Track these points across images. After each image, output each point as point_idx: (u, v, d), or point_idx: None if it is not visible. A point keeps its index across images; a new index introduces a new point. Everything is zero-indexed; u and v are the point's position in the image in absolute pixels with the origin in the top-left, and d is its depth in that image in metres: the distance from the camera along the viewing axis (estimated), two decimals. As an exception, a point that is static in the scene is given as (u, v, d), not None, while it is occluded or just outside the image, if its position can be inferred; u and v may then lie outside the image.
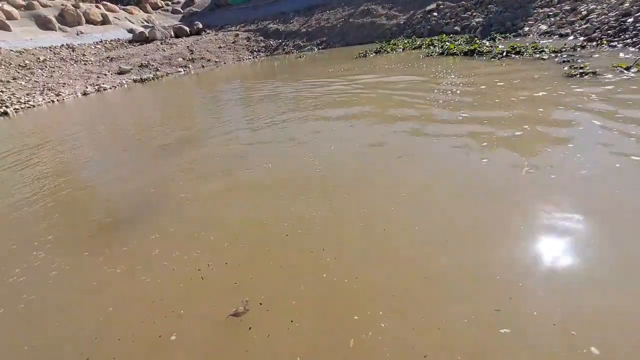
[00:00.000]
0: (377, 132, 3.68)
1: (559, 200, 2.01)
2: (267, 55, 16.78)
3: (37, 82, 12.68)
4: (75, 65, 15.23)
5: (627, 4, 7.21)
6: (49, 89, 11.96)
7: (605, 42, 6.22)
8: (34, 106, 10.38)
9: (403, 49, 10.28)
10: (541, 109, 3.49)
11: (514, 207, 2.04)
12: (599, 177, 2.18)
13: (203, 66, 16.03)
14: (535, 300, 1.42)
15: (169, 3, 28.16)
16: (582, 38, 6.99)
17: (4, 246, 2.52)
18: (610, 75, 4.34)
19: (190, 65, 16.00)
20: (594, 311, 1.33)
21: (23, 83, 12.36)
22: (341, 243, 1.98)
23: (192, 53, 17.18)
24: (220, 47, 18.07)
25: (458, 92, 4.74)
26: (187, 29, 20.72)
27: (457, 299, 1.48)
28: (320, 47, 15.71)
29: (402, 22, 13.78)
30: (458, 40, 9.59)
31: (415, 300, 1.51)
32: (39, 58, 14.94)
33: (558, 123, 3.17)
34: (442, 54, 8.15)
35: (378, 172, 2.74)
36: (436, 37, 10.77)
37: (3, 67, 13.36)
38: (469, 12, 11.86)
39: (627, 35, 6.14)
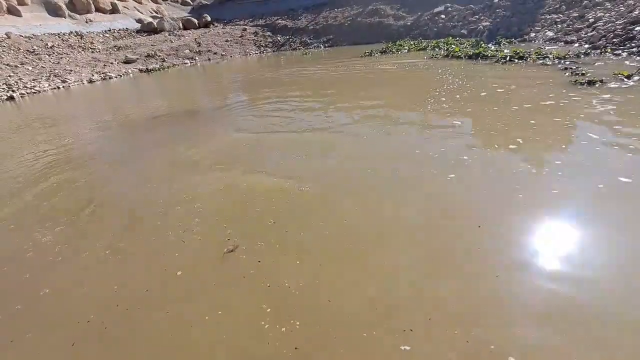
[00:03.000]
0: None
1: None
2: (273, 51, 16.81)
3: (44, 67, 12.78)
4: (82, 52, 15.33)
5: (637, 12, 7.15)
6: (55, 75, 12.06)
7: (609, 50, 6.18)
8: (39, 92, 10.47)
9: (408, 50, 10.27)
10: (534, 121, 3.41)
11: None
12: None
13: (209, 59, 16.09)
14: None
15: (179, -5, 28.21)
16: (586, 45, 6.96)
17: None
18: (612, 85, 4.30)
19: (196, 58, 16.06)
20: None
21: (30, 68, 12.47)
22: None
23: (200, 45, 17.24)
24: (227, 41, 18.12)
25: (451, 101, 4.74)
26: (196, 21, 20.77)
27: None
28: (326, 44, 15.71)
29: (409, 24, 13.75)
30: (464, 43, 9.56)
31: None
32: (47, 44, 15.05)
33: (553, 138, 3.14)
34: (446, 56, 8.14)
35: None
36: (442, 40, 10.74)
37: (12, 52, 13.48)
38: (477, 16, 11.81)
39: (633, 44, 6.10)
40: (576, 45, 7.38)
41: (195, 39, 18.12)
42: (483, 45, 8.64)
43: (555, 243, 1.71)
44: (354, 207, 2.24)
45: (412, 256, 1.74)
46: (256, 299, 1.58)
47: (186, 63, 15.28)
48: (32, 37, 15.26)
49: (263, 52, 16.84)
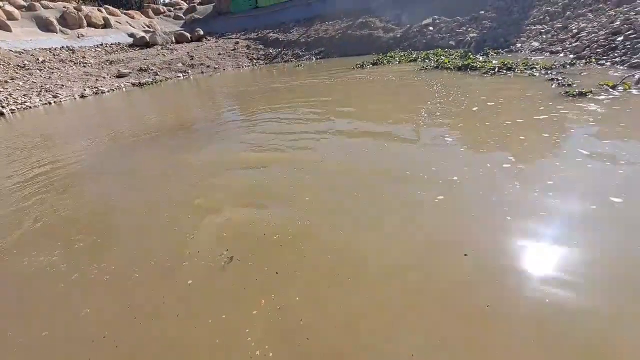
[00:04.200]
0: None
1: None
2: (266, 63, 16.96)
3: (34, 83, 12.70)
4: (74, 67, 15.29)
5: (617, 22, 7.40)
6: (47, 90, 11.99)
7: (593, 60, 6.38)
8: (30, 107, 10.38)
9: (399, 61, 10.45)
10: (523, 137, 3.46)
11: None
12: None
13: (202, 72, 16.15)
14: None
15: (171, 9, 28.51)
16: (572, 55, 7.17)
17: None
18: (600, 97, 4.36)
19: (189, 71, 16.12)
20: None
21: (20, 84, 12.38)
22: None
23: (192, 59, 17.33)
24: (220, 54, 18.25)
25: (443, 113, 4.82)
26: (188, 35, 20.93)
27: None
28: (318, 56, 15.92)
29: (398, 35, 14.02)
30: (452, 54, 9.77)
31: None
32: (38, 59, 14.99)
33: (544, 151, 3.20)
34: (436, 67, 8.30)
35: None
36: (431, 51, 10.97)
37: (2, 67, 13.39)
38: (464, 28, 12.11)
39: (616, 54, 6.30)
40: (561, 55, 7.60)
41: (188, 52, 18.22)
42: (471, 56, 8.84)
43: (543, 269, 1.69)
44: (326, 238, 2.14)
45: (388, 293, 1.66)
46: None
47: (179, 76, 15.32)
48: (22, 52, 15.19)
49: (256, 65, 16.98)
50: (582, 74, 5.71)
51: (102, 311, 1.78)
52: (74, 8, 19.53)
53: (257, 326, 1.56)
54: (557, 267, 1.70)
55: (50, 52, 16.25)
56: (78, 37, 18.55)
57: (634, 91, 4.43)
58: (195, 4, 29.37)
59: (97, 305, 1.82)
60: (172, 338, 1.56)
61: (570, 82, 5.12)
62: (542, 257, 1.78)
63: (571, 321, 1.42)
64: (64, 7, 19.51)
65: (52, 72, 14.13)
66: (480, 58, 8.53)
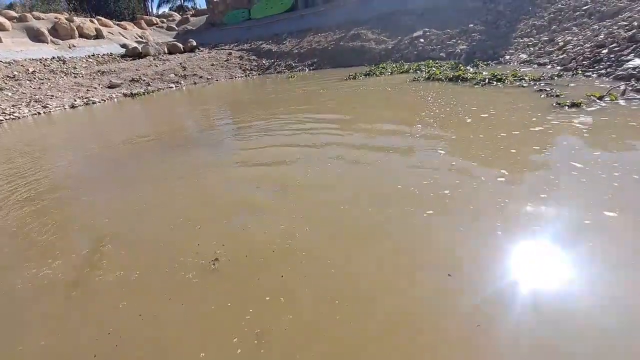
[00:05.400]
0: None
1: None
2: (259, 74, 17.05)
3: (24, 93, 12.54)
4: (65, 77, 15.16)
5: (601, 36, 7.63)
6: (36, 101, 11.83)
7: (580, 72, 6.54)
8: (19, 118, 10.22)
9: (391, 73, 10.59)
10: (515, 149, 3.51)
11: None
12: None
13: (195, 83, 16.15)
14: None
15: (164, 20, 28.64)
16: (559, 67, 7.35)
17: None
18: (590, 108, 4.42)
19: (182, 82, 16.11)
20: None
21: (9, 94, 12.21)
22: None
23: (185, 69, 17.34)
24: (213, 65, 18.31)
25: (437, 124, 4.87)
26: (181, 46, 20.99)
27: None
28: (311, 67, 16.06)
29: (390, 47, 14.26)
30: (443, 66, 9.95)
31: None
32: (28, 69, 14.84)
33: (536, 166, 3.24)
34: (428, 79, 8.43)
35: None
36: (423, 63, 11.16)
37: (-10, 77, 13.20)
38: (454, 40, 12.37)
39: (601, 66, 6.47)
40: (549, 67, 7.79)
41: (180, 63, 18.24)
42: (462, 67, 9.00)
43: (533, 288, 1.66)
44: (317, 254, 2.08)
45: (366, 323, 1.57)
46: None
47: (171, 87, 15.28)
48: (12, 63, 15.02)
49: (249, 76, 17.05)
50: (569, 85, 5.84)
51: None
52: (66, 19, 19.48)
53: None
54: (550, 282, 1.68)
55: (40, 62, 16.11)
56: (69, 47, 18.46)
57: (621, 102, 4.54)
58: (188, 16, 29.59)
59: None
60: None
61: (558, 93, 5.23)
62: (533, 272, 1.75)
63: (566, 337, 1.40)
64: (56, 18, 19.44)
65: (42, 83, 13.98)
66: (471, 69, 8.69)
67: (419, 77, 8.82)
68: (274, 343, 1.50)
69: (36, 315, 1.87)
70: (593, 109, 4.40)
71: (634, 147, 3.15)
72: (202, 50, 21.30)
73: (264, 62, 18.22)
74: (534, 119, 4.23)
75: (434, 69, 9.50)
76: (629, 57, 6.00)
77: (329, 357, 1.42)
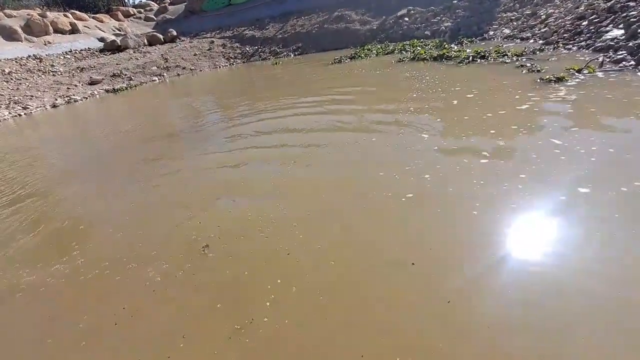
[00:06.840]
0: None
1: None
2: (243, 62, 16.74)
3: (2, 95, 12.17)
4: (43, 76, 14.71)
5: (582, 8, 7.66)
6: (15, 102, 11.52)
7: (561, 45, 6.60)
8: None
9: (376, 54, 10.51)
10: (495, 130, 3.50)
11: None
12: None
13: (179, 74, 15.82)
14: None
15: (142, 11, 27.67)
16: (541, 41, 7.39)
17: None
18: (570, 82, 4.48)
19: (165, 74, 15.76)
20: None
21: (-13, 97, 11.84)
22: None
23: (167, 61, 16.93)
24: (195, 55, 17.89)
25: (423, 109, 4.91)
26: (161, 36, 20.40)
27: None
28: (296, 52, 15.81)
29: (375, 28, 14.08)
30: (428, 44, 9.90)
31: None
32: (3, 70, 14.35)
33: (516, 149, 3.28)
34: (413, 59, 8.40)
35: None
36: (407, 42, 11.07)
37: (-36, 80, 12.76)
38: (439, 17, 12.26)
39: (581, 39, 6.54)
40: (531, 41, 7.82)
41: (162, 54, 17.78)
42: (446, 45, 8.99)
43: (505, 269, 1.74)
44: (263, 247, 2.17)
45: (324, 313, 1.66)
46: None
47: (154, 80, 14.96)
48: (-14, 64, 14.48)
49: (233, 64, 16.74)
50: (550, 59, 5.91)
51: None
52: (39, 15, 18.71)
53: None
54: (518, 266, 1.76)
55: (16, 62, 15.56)
56: (45, 44, 17.83)
57: (599, 74, 4.64)
58: (166, 4, 28.57)
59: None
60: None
61: (539, 69, 5.30)
62: (501, 256, 1.83)
63: (539, 317, 1.49)
64: (28, 14, 18.66)
65: (20, 83, 13.56)
66: (455, 47, 8.68)
67: (404, 57, 8.78)
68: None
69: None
70: (572, 83, 4.49)
71: (610, 120, 3.26)
72: (183, 40, 20.73)
73: (247, 49, 17.86)
74: (516, 97, 4.28)
75: (418, 48, 9.46)
76: (607, 29, 6.07)
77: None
